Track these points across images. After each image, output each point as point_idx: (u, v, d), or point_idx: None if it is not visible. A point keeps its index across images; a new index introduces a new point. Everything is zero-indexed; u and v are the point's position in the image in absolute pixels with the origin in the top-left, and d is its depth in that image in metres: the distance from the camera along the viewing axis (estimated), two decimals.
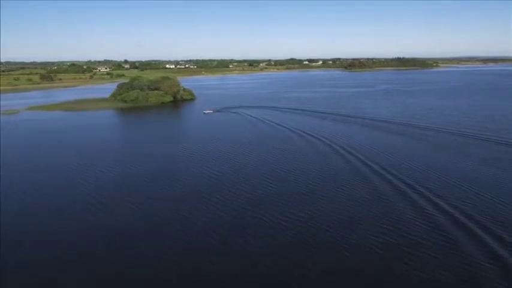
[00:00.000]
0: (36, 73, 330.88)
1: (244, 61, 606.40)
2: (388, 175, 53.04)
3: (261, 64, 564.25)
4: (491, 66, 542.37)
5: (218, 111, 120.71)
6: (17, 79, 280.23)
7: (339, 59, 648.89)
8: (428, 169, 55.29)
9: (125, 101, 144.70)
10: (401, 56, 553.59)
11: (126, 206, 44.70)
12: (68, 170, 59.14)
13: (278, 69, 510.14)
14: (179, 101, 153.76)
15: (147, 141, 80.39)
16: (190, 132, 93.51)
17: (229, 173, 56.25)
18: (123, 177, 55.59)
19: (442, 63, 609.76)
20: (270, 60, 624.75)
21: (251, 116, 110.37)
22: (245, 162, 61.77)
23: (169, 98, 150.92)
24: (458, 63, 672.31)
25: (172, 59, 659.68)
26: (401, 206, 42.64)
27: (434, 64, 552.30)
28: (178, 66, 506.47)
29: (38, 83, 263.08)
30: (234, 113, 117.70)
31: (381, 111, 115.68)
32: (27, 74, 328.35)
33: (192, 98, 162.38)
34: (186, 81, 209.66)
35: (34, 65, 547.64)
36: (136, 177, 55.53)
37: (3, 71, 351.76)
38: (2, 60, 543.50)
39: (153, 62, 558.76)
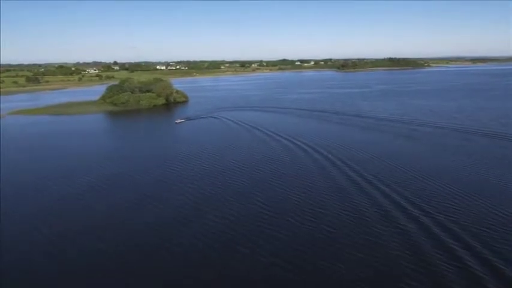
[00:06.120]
0: (23, 75, 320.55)
1: (236, 62, 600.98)
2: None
3: (253, 65, 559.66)
4: (481, 66, 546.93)
5: (191, 119, 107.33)
6: (2, 82, 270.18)
7: (331, 59, 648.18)
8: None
9: (115, 104, 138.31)
10: (391, 56, 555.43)
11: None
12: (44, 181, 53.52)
13: (270, 70, 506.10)
14: (172, 103, 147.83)
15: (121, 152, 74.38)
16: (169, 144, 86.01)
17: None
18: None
19: (433, 63, 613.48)
20: (261, 61, 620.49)
21: (245, 123, 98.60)
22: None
23: (161, 101, 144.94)
24: (448, 63, 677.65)
25: (163, 60, 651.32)
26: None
27: (426, 64, 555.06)
28: (169, 68, 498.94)
29: (24, 86, 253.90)
30: (224, 118, 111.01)
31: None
32: (13, 77, 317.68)
33: (185, 100, 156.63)
34: (178, 83, 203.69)
35: (20, 67, 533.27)
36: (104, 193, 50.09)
37: None
38: None
39: (143, 64, 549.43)
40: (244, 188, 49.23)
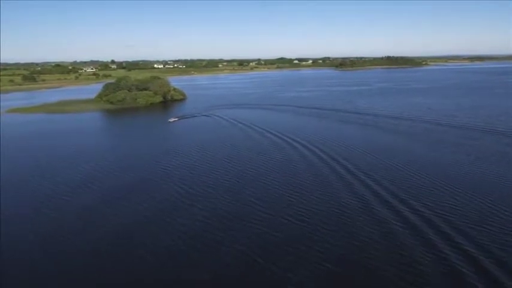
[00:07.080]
0: (19, 74, 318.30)
1: (234, 61, 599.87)
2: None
3: (251, 63, 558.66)
4: (479, 64, 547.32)
5: (185, 117, 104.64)
6: None
7: (329, 58, 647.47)
8: None
9: (112, 102, 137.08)
10: (390, 55, 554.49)
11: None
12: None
13: (269, 68, 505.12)
14: (169, 101, 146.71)
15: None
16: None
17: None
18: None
19: (431, 61, 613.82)
20: (259, 59, 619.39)
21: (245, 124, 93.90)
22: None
23: (159, 99, 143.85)
24: (446, 61, 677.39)
25: (161, 59, 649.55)
26: None
27: (424, 63, 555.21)
28: (166, 66, 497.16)
29: (20, 84, 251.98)
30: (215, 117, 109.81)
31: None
32: (10, 75, 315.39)
33: (182, 98, 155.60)
34: (175, 82, 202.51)
35: (17, 66, 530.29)
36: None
37: None
38: None
39: (141, 62, 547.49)
40: (235, 187, 48.22)
